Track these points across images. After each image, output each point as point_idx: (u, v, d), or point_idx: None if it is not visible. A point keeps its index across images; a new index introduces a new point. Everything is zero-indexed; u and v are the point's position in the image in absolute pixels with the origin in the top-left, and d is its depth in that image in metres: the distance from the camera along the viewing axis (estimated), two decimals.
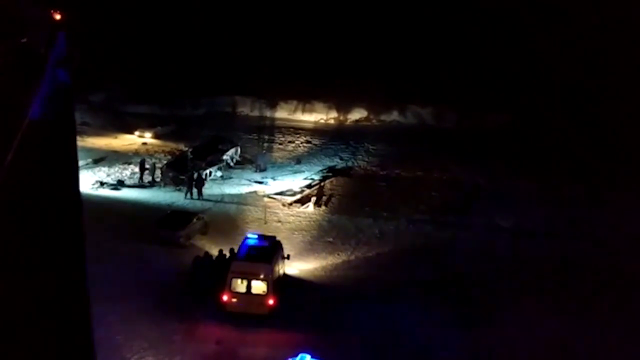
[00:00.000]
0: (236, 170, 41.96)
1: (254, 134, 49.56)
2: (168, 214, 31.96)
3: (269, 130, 51.16)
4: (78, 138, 30.48)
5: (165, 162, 41.26)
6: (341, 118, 55.48)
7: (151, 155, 43.21)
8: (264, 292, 23.59)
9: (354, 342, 22.39)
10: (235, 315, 23.25)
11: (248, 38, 56.58)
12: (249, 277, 23.66)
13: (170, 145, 46.13)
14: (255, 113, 55.48)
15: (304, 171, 42.30)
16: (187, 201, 35.87)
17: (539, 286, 27.34)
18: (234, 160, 43.20)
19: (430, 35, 56.10)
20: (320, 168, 42.87)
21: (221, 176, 40.43)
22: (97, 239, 23.27)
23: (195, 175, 37.19)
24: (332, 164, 44.03)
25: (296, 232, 32.60)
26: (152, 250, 28.61)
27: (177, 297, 24.58)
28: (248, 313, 23.23)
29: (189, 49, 56.03)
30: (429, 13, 57.51)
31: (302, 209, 35.73)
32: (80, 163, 31.25)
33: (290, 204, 36.15)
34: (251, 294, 23.59)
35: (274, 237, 27.47)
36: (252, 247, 25.41)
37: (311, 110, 55.41)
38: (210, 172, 39.75)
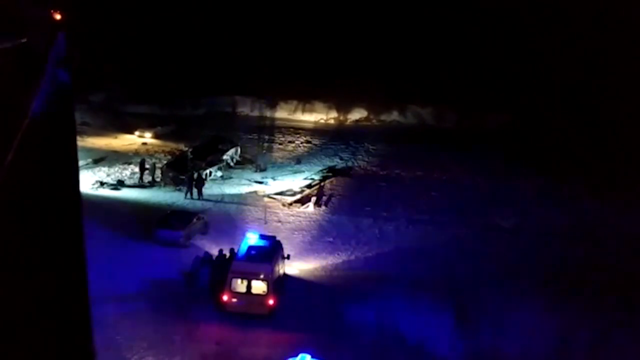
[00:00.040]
0: (236, 170, 41.96)
1: (254, 134, 49.56)
2: (168, 214, 31.96)
3: (269, 130, 51.17)
4: (78, 138, 30.52)
5: (165, 162, 41.26)
6: (341, 118, 55.50)
7: (151, 155, 43.20)
8: (264, 292, 23.58)
9: (354, 342, 22.38)
10: (235, 315, 23.24)
11: (248, 38, 56.57)
12: (249, 277, 23.65)
13: (170, 145, 46.13)
14: (255, 113, 55.50)
15: (304, 171, 42.30)
16: (187, 201, 35.86)
17: (539, 286, 27.32)
18: (234, 160, 43.19)
19: (430, 35, 56.10)
20: (320, 168, 42.87)
21: (221, 176, 40.42)
22: (97, 239, 23.25)
23: (195, 175, 37.18)
24: (332, 164, 44.03)
25: (296, 232, 32.59)
26: (152, 250, 28.60)
27: (177, 297, 24.57)
28: (248, 313, 23.23)
29: (189, 49, 56.03)
30: (429, 13, 57.50)
31: (302, 209, 35.73)
32: (80, 163, 31.27)
33: (290, 204, 36.15)
34: (251, 294, 23.59)
35: (274, 237, 27.46)
36: (252, 247, 25.41)
37: (311, 110, 55.43)
38: (210, 172, 39.74)
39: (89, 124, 48.29)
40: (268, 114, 55.10)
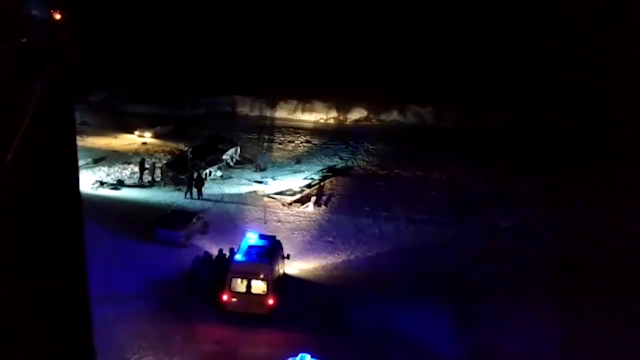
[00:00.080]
0: (236, 170, 41.97)
1: (254, 134, 49.59)
2: (168, 214, 31.96)
3: (269, 130, 51.20)
4: (78, 138, 30.45)
5: (165, 162, 41.26)
6: (341, 118, 55.54)
7: (151, 155, 43.21)
8: (264, 292, 23.58)
9: (354, 342, 22.38)
10: (235, 315, 23.24)
11: (248, 38, 56.59)
12: (249, 277, 23.65)
13: (170, 145, 46.15)
14: (255, 113, 55.54)
15: (304, 171, 42.31)
16: (187, 201, 35.86)
17: (539, 286, 27.32)
18: (234, 160, 43.20)
19: (431, 35, 56.12)
20: (320, 168, 42.88)
21: (221, 176, 40.42)
22: (98, 239, 23.25)
23: (195, 175, 37.18)
24: (332, 164, 44.05)
25: (296, 232, 32.59)
26: (152, 250, 28.60)
27: (177, 297, 24.57)
28: (248, 313, 23.22)
29: (189, 49, 56.05)
30: (429, 13, 57.52)
31: (302, 209, 35.73)
32: (80, 163, 31.23)
33: (290, 204, 36.15)
34: (251, 294, 23.58)
35: (274, 237, 27.46)
36: (252, 247, 25.41)
37: (311, 110, 55.46)
38: (210, 172, 39.75)
39: (89, 124, 48.32)
40: (268, 114, 55.14)
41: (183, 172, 38.21)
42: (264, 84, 53.26)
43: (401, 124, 54.60)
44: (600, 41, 51.40)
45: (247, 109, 55.90)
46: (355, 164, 44.45)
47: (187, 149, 43.44)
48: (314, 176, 40.83)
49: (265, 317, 23.26)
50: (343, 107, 55.46)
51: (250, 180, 40.14)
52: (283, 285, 25.22)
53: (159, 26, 57.23)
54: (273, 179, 40.46)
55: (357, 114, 55.61)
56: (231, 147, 43.38)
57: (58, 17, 54.35)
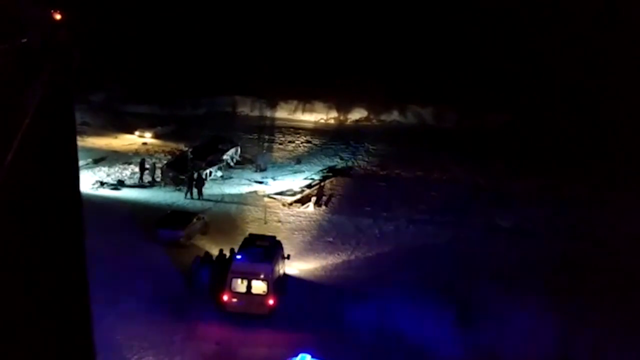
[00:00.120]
0: (236, 170, 41.98)
1: (254, 134, 49.59)
2: (168, 214, 31.94)
3: (269, 130, 51.21)
4: (78, 138, 30.47)
5: (165, 162, 41.27)
6: (341, 118, 55.55)
7: (151, 155, 43.22)
8: (264, 292, 23.57)
9: (354, 342, 22.36)
10: (235, 315, 23.23)
11: (248, 38, 56.62)
12: (249, 277, 23.64)
13: (170, 145, 46.16)
14: (255, 113, 55.56)
15: (304, 171, 42.32)
16: (187, 201, 35.86)
17: (539, 286, 27.31)
18: (234, 160, 43.21)
19: (430, 35, 56.15)
20: (320, 168, 42.90)
21: (221, 176, 40.43)
22: (97, 238, 23.24)
23: (196, 175, 37.18)
24: (332, 164, 44.06)
25: (296, 232, 32.58)
26: (152, 250, 28.58)
27: (177, 297, 24.56)
28: (248, 313, 23.21)
29: (189, 49, 56.08)
30: (429, 13, 57.55)
31: (302, 209, 35.73)
32: (80, 163, 31.20)
33: (291, 204, 36.15)
34: (251, 294, 23.57)
35: (274, 237, 27.45)
36: (252, 247, 25.39)
37: (311, 110, 55.48)
38: (211, 172, 39.75)
39: (89, 124, 48.34)
40: (268, 114, 55.17)
41: (183, 172, 38.21)
42: (264, 84, 53.30)
43: (401, 124, 54.61)
44: (600, 41, 51.40)
45: (247, 109, 55.92)
46: (355, 164, 44.46)
47: (187, 149, 43.46)
48: (314, 176, 40.84)
49: (265, 317, 23.24)
50: (343, 107, 55.47)
51: (250, 180, 40.14)
52: (283, 285, 25.20)
53: (159, 26, 57.27)
54: (273, 179, 40.47)
55: (357, 114, 55.62)
56: (231, 147, 43.39)
57: (58, 17, 54.38)
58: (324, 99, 55.39)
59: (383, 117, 55.57)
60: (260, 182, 39.82)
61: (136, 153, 43.89)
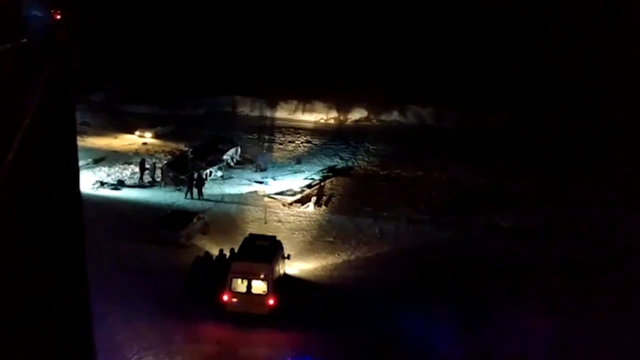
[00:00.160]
0: (236, 170, 41.98)
1: (254, 134, 49.58)
2: (168, 214, 31.94)
3: (269, 130, 51.19)
4: (78, 138, 30.49)
5: (165, 162, 41.27)
6: (341, 118, 55.53)
7: (151, 155, 43.21)
8: (264, 292, 23.57)
9: (354, 342, 22.37)
10: (235, 315, 23.23)
11: (248, 38, 56.62)
12: (249, 277, 23.64)
13: (171, 145, 46.15)
14: (255, 113, 55.54)
15: (304, 171, 42.32)
16: (187, 201, 35.87)
17: (539, 286, 27.31)
18: (234, 160, 43.21)
19: (430, 35, 56.15)
20: (320, 168, 42.90)
21: (221, 176, 40.44)
22: (97, 239, 23.25)
23: (196, 175, 37.19)
24: (332, 163, 44.05)
25: (296, 232, 32.59)
26: (152, 250, 28.57)
27: (177, 297, 24.55)
28: (248, 313, 23.21)
29: (189, 49, 56.08)
30: (429, 13, 57.55)
31: (302, 208, 35.74)
32: (80, 163, 31.21)
33: (291, 204, 36.16)
34: (251, 293, 23.57)
35: (274, 237, 27.46)
36: (252, 247, 25.41)
37: (311, 110, 55.46)
38: (211, 172, 39.75)
39: (89, 124, 48.33)
40: (268, 114, 55.13)
41: (183, 172, 38.22)
42: (264, 84, 53.28)
43: (401, 124, 54.58)
44: (600, 41, 51.39)
45: (247, 109, 55.89)
46: (356, 163, 44.46)
47: (187, 149, 43.46)
48: (314, 176, 40.84)
49: (265, 317, 23.24)
50: (343, 107, 55.45)
51: (250, 180, 40.14)
52: (283, 285, 25.20)
53: (159, 26, 57.27)
54: (273, 179, 40.47)
55: (357, 114, 55.60)
56: (231, 147, 43.38)
57: (58, 17, 54.39)
58: (324, 99, 55.36)
59: (383, 117, 55.54)
60: (260, 182, 39.82)
61: (136, 153, 43.88)
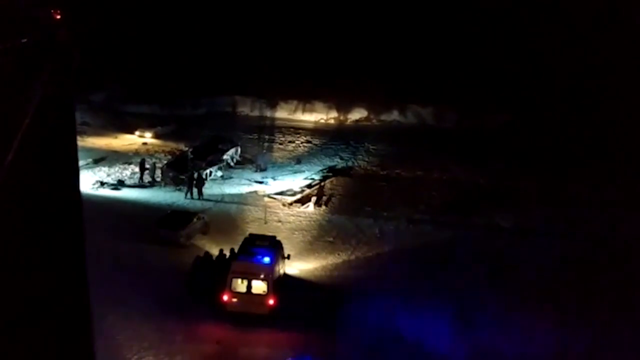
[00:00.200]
0: (236, 170, 41.98)
1: (254, 134, 49.58)
2: (168, 213, 31.94)
3: (269, 130, 51.19)
4: (78, 138, 30.51)
5: (165, 162, 41.27)
6: (341, 118, 55.53)
7: (151, 155, 43.22)
8: (264, 292, 23.57)
9: (354, 342, 22.37)
10: (235, 315, 23.24)
11: (248, 38, 56.62)
12: (249, 277, 23.64)
13: (171, 145, 46.15)
14: (255, 113, 55.54)
15: (304, 171, 42.32)
16: (188, 201, 35.86)
17: (538, 286, 27.31)
18: (234, 160, 43.21)
19: (431, 35, 56.15)
20: (320, 168, 42.90)
21: (221, 176, 40.43)
22: (97, 239, 23.25)
23: (196, 175, 37.18)
24: (332, 163, 44.06)
25: (296, 232, 32.59)
26: (152, 250, 28.56)
27: (177, 297, 24.55)
28: (248, 313, 23.21)
29: (189, 49, 56.08)
30: (429, 13, 57.56)
31: (302, 208, 35.74)
32: (80, 163, 31.19)
33: (291, 204, 36.16)
34: (251, 293, 23.57)
35: (274, 237, 27.46)
36: (252, 247, 25.39)
37: (311, 110, 55.46)
38: (211, 172, 39.75)
39: (89, 124, 48.33)
40: (268, 114, 55.13)
41: (183, 172, 38.22)
42: (264, 84, 53.28)
43: (401, 124, 54.58)
44: (600, 41, 51.39)
45: (247, 109, 55.89)
46: (356, 163, 44.46)
47: (187, 149, 43.46)
48: (314, 176, 40.84)
49: (265, 317, 23.24)
50: (343, 107, 55.45)
51: (250, 180, 40.15)
52: (283, 285, 25.20)
53: (159, 26, 57.26)
54: (273, 178, 40.48)
55: (357, 114, 55.60)
56: (231, 147, 43.39)
57: (58, 17, 54.37)
58: (324, 99, 55.37)
59: (383, 117, 55.53)
60: (260, 182, 39.83)
61: (136, 153, 43.88)
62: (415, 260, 29.86)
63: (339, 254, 30.39)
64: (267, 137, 49.36)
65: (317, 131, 51.79)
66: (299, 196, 37.07)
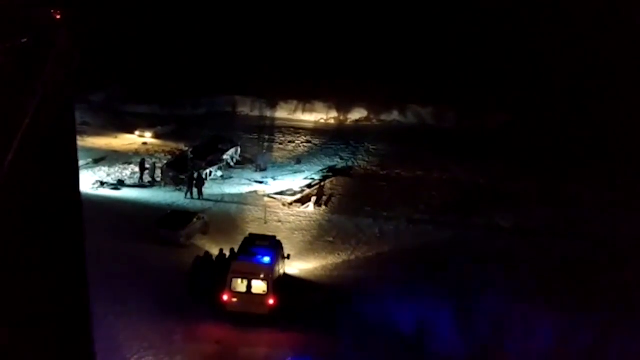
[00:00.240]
0: (236, 170, 41.98)
1: (254, 134, 49.57)
2: (168, 213, 31.95)
3: (269, 130, 51.18)
4: (78, 138, 30.51)
5: (165, 162, 41.27)
6: (341, 118, 55.51)
7: (151, 155, 43.22)
8: (264, 292, 23.58)
9: (354, 342, 22.37)
10: (235, 315, 23.24)
11: (248, 38, 56.60)
12: (249, 276, 23.65)
13: (171, 145, 46.15)
14: (255, 113, 55.52)
15: (304, 171, 42.32)
16: (187, 201, 35.87)
17: (539, 286, 27.31)
18: (234, 160, 43.21)
19: (431, 36, 56.13)
20: (320, 168, 42.90)
21: (221, 176, 40.44)
22: (97, 239, 23.24)
23: (196, 175, 37.19)
24: (332, 163, 44.06)
25: (296, 232, 32.60)
26: (152, 250, 28.58)
27: (177, 297, 24.56)
28: (248, 313, 23.21)
29: (188, 49, 56.06)
30: (429, 13, 57.54)
31: (302, 208, 35.74)
32: (80, 163, 31.22)
33: (291, 204, 36.16)
34: (251, 293, 23.58)
35: (274, 237, 27.46)
36: (252, 247, 25.40)
37: (311, 110, 55.44)
38: (211, 172, 39.76)
39: (89, 124, 48.32)
40: (268, 114, 55.11)
41: (183, 172, 38.23)
42: (264, 84, 53.27)
43: (401, 124, 54.57)
44: (600, 41, 51.38)
45: (247, 109, 55.87)
46: (355, 163, 44.45)
47: (187, 149, 43.46)
48: (314, 176, 40.84)
49: (265, 317, 23.25)
50: (343, 107, 55.44)
51: (250, 180, 40.15)
52: (283, 285, 25.20)
53: (159, 26, 57.23)
54: (273, 178, 40.48)
55: (357, 114, 55.59)
56: (231, 147, 43.39)
57: (58, 17, 54.32)
58: (324, 99, 55.35)
59: (383, 117, 55.52)
60: (260, 182, 39.83)
61: (136, 153, 43.88)
62: (415, 260, 29.86)
63: (339, 254, 30.40)
64: (267, 137, 49.36)
65: (317, 131, 51.78)
66: (299, 196, 37.08)
